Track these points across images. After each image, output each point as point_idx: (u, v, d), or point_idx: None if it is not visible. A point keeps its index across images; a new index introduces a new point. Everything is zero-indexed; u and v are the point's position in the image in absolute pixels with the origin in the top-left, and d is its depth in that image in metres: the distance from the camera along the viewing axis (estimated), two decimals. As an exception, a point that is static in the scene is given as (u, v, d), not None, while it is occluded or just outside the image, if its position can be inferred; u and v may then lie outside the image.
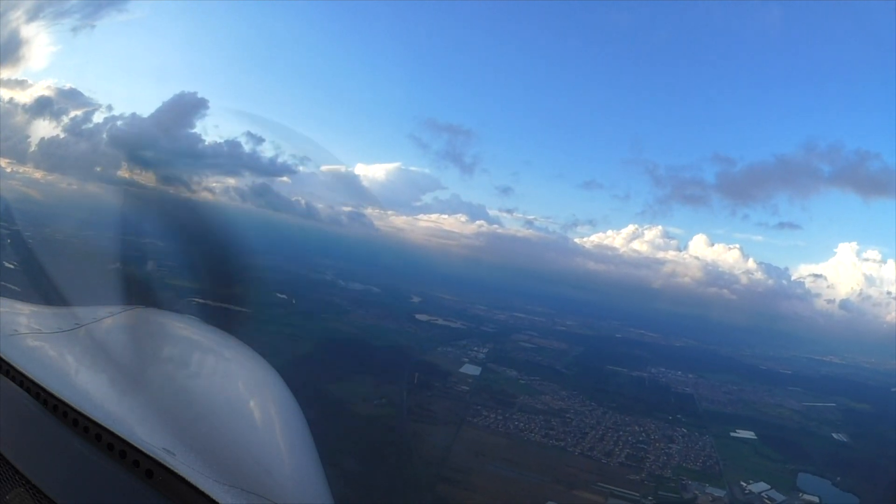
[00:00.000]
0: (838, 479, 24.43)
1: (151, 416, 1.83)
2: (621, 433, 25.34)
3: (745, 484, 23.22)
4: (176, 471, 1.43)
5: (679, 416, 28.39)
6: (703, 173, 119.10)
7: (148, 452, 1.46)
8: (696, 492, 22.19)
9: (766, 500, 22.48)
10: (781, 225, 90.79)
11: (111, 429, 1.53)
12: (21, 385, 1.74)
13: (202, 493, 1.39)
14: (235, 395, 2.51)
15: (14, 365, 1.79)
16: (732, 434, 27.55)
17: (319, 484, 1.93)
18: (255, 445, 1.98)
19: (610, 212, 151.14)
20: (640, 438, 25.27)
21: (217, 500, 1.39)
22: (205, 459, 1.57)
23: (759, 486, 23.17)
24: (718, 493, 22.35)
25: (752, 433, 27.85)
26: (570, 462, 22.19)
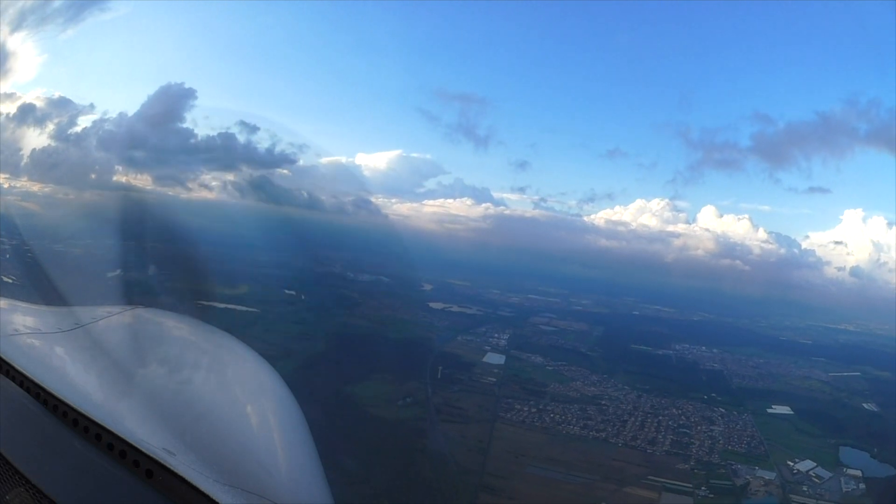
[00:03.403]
0: (875, 450, 23.82)
1: (151, 416, 1.80)
2: (661, 418, 23.98)
3: (791, 463, 22.35)
4: (176, 471, 1.41)
5: (714, 394, 27.24)
6: (739, 135, 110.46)
7: (148, 452, 1.45)
8: (748, 476, 21.08)
9: (815, 479, 21.62)
10: (812, 189, 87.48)
11: (111, 429, 1.51)
12: (21, 385, 1.72)
13: (202, 493, 1.37)
14: (235, 394, 2.46)
15: (14, 365, 1.77)
16: (769, 410, 26.65)
17: (319, 483, 1.89)
18: (254, 445, 1.95)
19: (633, 183, 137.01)
20: (681, 422, 23.98)
21: (217, 500, 1.37)
22: (205, 459, 1.54)
23: (806, 465, 22.29)
24: (768, 475, 21.34)
25: (788, 408, 27.07)
26: (615, 455, 20.63)
